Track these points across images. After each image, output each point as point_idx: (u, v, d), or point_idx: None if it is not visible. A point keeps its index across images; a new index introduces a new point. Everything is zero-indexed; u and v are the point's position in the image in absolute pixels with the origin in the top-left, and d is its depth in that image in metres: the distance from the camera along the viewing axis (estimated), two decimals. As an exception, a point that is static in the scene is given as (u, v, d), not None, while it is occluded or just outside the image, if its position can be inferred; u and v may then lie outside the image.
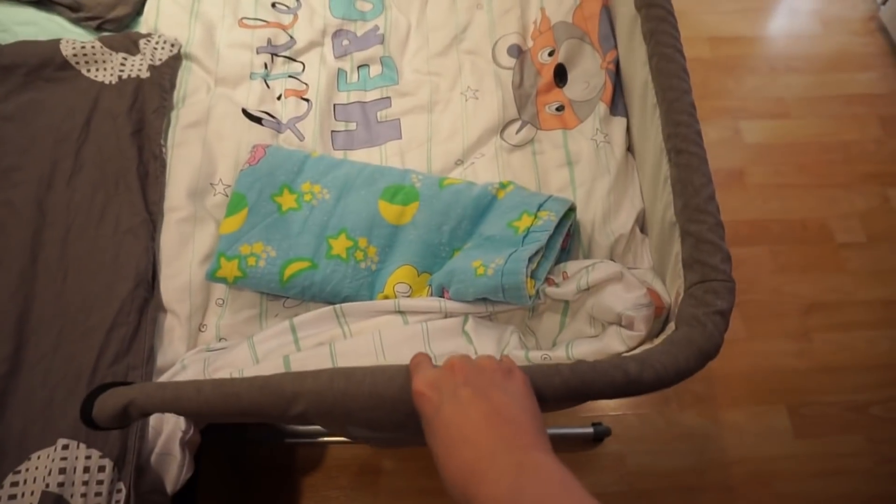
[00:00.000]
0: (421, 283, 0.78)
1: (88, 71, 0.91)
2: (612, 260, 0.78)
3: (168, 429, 0.70)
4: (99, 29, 0.99)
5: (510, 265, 0.68)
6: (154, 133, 0.87)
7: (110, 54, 0.92)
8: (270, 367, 0.67)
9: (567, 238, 0.77)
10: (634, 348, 0.66)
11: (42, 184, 0.83)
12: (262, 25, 1.00)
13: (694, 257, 0.63)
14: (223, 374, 0.69)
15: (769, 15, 1.76)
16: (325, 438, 1.19)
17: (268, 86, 0.96)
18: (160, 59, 0.92)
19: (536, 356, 0.68)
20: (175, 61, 0.94)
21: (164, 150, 0.86)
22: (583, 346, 0.68)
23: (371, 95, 0.97)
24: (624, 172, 0.86)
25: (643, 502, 1.19)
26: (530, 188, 0.85)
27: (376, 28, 1.02)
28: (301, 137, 0.92)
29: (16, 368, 0.72)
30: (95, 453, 0.66)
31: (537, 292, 0.71)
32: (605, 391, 0.55)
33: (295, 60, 0.99)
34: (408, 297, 0.76)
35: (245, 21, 1.01)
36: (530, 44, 0.99)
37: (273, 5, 1.03)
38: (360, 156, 0.91)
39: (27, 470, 0.66)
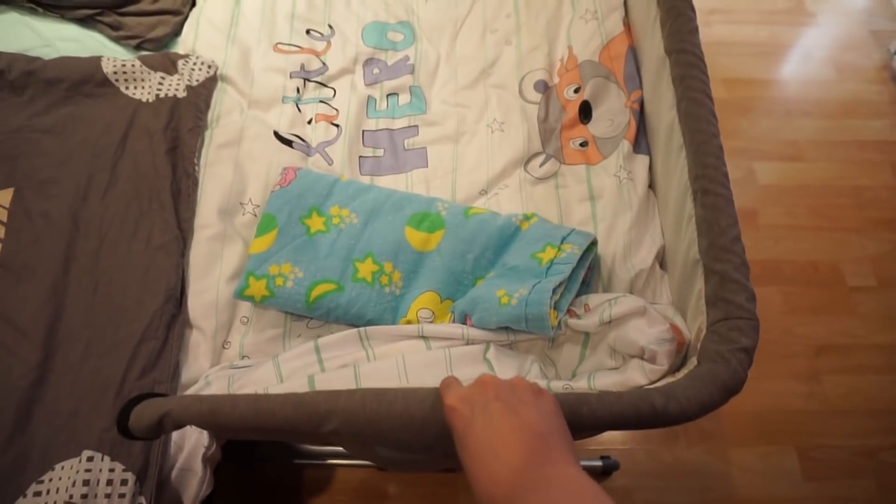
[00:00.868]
0: (443, 310, 0.79)
1: (127, 88, 0.93)
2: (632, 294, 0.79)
3: (190, 444, 0.70)
4: (138, 48, 1.02)
5: (534, 296, 0.69)
6: (188, 151, 0.89)
7: (149, 73, 0.94)
8: (295, 386, 0.68)
9: (588, 271, 0.79)
10: (656, 381, 0.67)
11: (77, 197, 0.85)
12: (296, 51, 1.03)
13: (718, 295, 0.65)
14: (248, 391, 0.69)
15: (784, 59, 1.79)
16: (334, 461, 1.18)
17: (299, 110, 0.98)
18: (197, 80, 0.94)
19: (558, 386, 0.68)
20: (211, 82, 0.96)
21: (196, 168, 0.88)
22: (605, 377, 0.69)
23: (399, 123, 0.99)
24: (645, 209, 0.87)
25: (650, 539, 1.18)
26: (553, 220, 0.87)
27: (406, 58, 1.05)
28: (330, 161, 0.93)
29: (43, 378, 0.73)
30: (119, 466, 0.66)
31: (559, 323, 0.72)
32: (630, 422, 0.56)
33: (326, 86, 1.01)
34: (430, 322, 0.77)
35: (280, 46, 1.03)
36: (556, 80, 1.01)
37: (307, 32, 1.06)
38: (386, 182, 0.93)
39: (50, 480, 0.67)
